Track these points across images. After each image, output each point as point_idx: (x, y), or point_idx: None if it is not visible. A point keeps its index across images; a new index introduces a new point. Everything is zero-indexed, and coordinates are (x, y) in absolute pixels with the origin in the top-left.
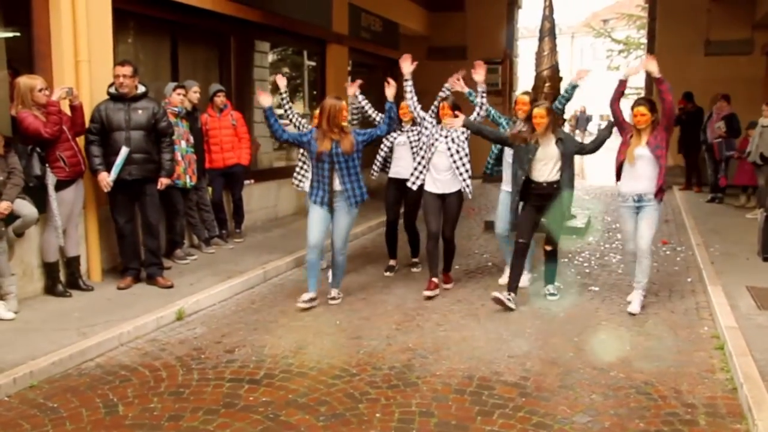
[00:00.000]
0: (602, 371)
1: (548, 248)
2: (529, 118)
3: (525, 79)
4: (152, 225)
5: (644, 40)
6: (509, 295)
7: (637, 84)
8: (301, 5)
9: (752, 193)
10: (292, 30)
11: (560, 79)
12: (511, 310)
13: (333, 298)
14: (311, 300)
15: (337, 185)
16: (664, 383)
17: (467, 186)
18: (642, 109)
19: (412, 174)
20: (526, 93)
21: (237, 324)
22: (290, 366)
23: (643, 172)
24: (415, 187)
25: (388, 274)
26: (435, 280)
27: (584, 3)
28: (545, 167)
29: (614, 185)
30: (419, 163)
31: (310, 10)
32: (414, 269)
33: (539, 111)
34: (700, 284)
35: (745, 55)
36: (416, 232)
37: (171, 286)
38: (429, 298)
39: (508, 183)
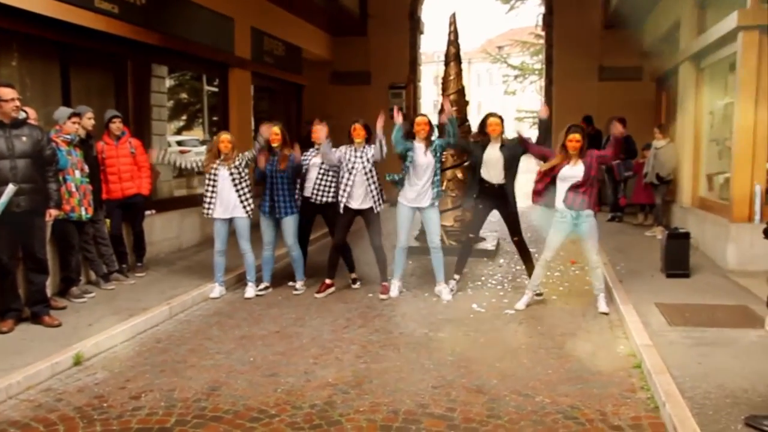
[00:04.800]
0: (528, 397)
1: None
2: (428, 137)
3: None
4: (40, 260)
5: (539, 66)
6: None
7: (533, 107)
8: (202, 28)
9: (649, 211)
10: (193, 53)
11: (467, 102)
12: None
13: (295, 290)
14: (265, 288)
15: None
16: (590, 406)
17: (377, 202)
18: (578, 136)
19: (341, 195)
20: (423, 115)
21: (142, 366)
22: (203, 410)
23: (580, 190)
24: (341, 207)
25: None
26: (328, 281)
27: (479, 30)
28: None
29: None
30: (345, 185)
31: (211, 33)
32: (354, 285)
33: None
34: (611, 303)
35: (636, 80)
36: (349, 248)
37: (59, 325)
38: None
39: (404, 196)
